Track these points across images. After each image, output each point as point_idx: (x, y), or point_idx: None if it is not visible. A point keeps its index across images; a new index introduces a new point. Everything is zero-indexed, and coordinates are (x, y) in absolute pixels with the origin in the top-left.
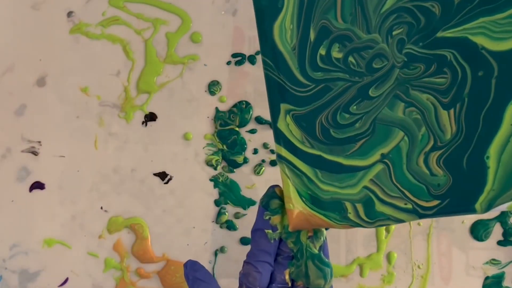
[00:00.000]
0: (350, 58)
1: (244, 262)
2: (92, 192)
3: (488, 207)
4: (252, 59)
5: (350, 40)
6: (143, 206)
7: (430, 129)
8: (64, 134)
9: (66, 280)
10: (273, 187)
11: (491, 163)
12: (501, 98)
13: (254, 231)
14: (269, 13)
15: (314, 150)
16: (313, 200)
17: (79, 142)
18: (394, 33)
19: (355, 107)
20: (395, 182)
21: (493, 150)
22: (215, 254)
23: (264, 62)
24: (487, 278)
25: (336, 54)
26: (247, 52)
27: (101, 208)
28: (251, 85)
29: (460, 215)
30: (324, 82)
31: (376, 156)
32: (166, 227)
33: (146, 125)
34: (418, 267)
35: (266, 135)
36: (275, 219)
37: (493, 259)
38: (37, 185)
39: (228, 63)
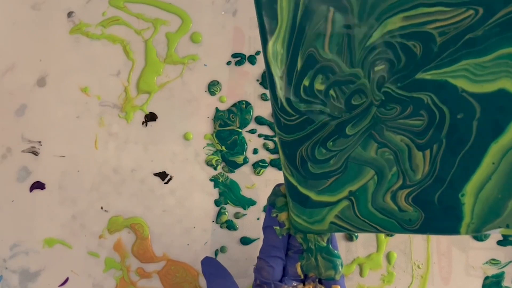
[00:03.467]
0: (331, 91)
1: (258, 258)
2: (92, 192)
3: (475, 233)
4: (252, 59)
5: (333, 72)
6: (143, 206)
7: (401, 169)
8: (64, 134)
9: (66, 280)
10: (278, 185)
11: (467, 199)
12: (484, 138)
13: (264, 228)
14: (265, 31)
15: (292, 179)
16: (293, 227)
17: (79, 142)
18: (376, 68)
19: (331, 143)
20: (362, 218)
21: (470, 188)
22: (215, 254)
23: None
24: (486, 278)
25: (318, 85)
26: (247, 52)
27: (101, 208)
28: (251, 85)
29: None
30: (306, 114)
31: (344, 193)
32: (166, 227)
33: (146, 125)
34: (418, 267)
35: (267, 135)
36: (282, 216)
37: (493, 259)
38: (38, 185)
39: (228, 63)
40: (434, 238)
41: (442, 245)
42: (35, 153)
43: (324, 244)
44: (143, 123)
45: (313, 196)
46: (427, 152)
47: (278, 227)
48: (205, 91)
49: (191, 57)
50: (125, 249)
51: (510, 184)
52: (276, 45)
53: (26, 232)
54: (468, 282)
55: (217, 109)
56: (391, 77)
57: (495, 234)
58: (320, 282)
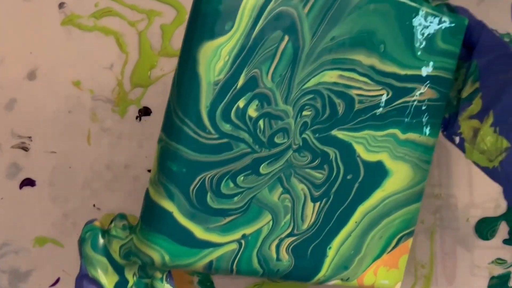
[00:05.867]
0: (261, 122)
1: None
2: (85, 189)
3: (320, 284)
4: None
5: (269, 103)
6: (137, 204)
7: (294, 218)
8: (55, 129)
9: (57, 280)
10: (90, 221)
11: (331, 253)
12: (357, 200)
13: (80, 278)
14: (211, 28)
15: (170, 204)
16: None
17: (71, 137)
18: (304, 113)
19: (242, 178)
20: (234, 267)
21: (336, 242)
22: None
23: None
24: (492, 278)
25: (252, 112)
26: None
27: (94, 205)
28: None
29: None
30: (228, 138)
31: (236, 236)
32: None
33: (140, 120)
34: (422, 266)
35: None
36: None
37: (499, 259)
38: (28, 182)
39: None
40: (438, 237)
41: (447, 244)
42: (25, 149)
43: (164, 283)
44: (137, 118)
45: (198, 232)
46: (317, 204)
47: None
48: None
49: None
50: None
51: (361, 242)
52: (221, 50)
53: (16, 231)
54: (473, 282)
55: None
56: (312, 126)
57: (501, 233)
58: None
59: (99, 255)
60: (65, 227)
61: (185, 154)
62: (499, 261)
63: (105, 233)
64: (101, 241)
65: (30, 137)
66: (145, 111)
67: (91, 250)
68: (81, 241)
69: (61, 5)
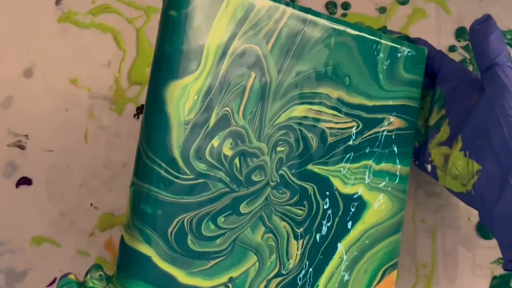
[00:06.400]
0: (236, 160)
1: None
2: (82, 188)
3: None
4: None
5: (242, 140)
6: None
7: (279, 257)
8: (52, 127)
9: (54, 280)
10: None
11: None
12: (338, 234)
13: None
14: (176, 68)
15: (147, 248)
16: None
17: (68, 135)
18: (278, 149)
19: (223, 219)
20: None
21: (322, 280)
22: None
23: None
24: (494, 278)
25: (226, 150)
26: None
27: (91, 204)
28: None
29: None
30: (205, 178)
31: (223, 279)
32: None
33: (138, 117)
34: (423, 266)
35: None
36: None
37: (501, 258)
38: (24, 181)
39: None
40: (440, 237)
41: (448, 244)
42: (22, 147)
43: None
44: (134, 116)
45: (181, 277)
46: (300, 242)
47: None
48: None
49: None
50: (116, 248)
51: (348, 277)
52: (189, 89)
53: (12, 230)
54: (475, 282)
55: None
56: (288, 162)
57: None
58: None
59: None
60: (62, 227)
61: (160, 195)
62: (501, 261)
63: (81, 285)
64: None
65: (26, 135)
66: (142, 109)
67: None
68: None
69: (58, 2)
